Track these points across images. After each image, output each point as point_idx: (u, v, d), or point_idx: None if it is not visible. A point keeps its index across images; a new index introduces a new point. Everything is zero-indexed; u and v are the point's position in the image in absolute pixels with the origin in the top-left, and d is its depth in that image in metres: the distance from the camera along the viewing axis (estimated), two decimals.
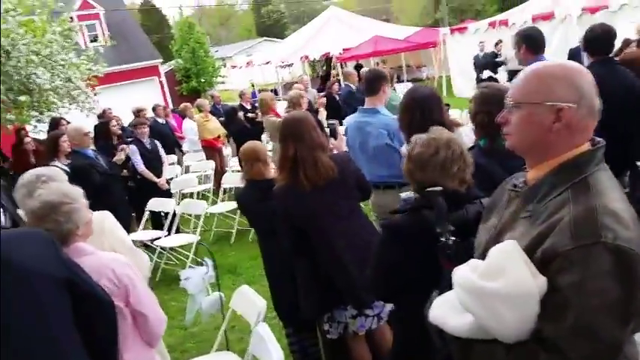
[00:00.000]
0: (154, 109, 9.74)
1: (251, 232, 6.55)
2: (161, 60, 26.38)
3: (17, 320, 1.43)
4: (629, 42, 6.85)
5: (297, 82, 21.73)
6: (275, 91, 19.34)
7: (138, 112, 10.01)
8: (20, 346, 1.42)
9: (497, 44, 13.03)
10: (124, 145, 5.85)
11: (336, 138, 2.92)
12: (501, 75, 13.39)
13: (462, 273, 1.30)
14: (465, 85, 14.87)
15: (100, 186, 4.72)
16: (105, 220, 2.48)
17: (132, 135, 6.62)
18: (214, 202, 7.49)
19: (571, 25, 12.00)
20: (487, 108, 2.58)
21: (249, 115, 9.11)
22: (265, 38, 43.12)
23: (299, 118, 2.77)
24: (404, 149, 3.13)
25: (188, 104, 10.22)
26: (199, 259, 3.50)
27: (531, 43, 3.51)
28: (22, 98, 7.70)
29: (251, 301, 2.93)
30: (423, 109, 2.83)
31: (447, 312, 1.38)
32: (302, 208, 2.69)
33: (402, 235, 1.97)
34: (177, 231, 6.09)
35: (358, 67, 19.04)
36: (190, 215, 6.76)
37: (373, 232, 2.79)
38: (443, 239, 1.59)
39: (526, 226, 1.31)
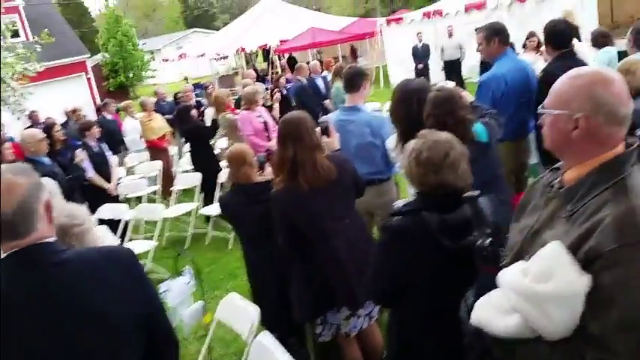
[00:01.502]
0: (104, 105, 9.29)
1: (208, 235, 6.39)
2: (88, 55, 25.01)
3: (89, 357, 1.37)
4: (533, 34, 7.46)
5: (234, 75, 21.14)
6: (207, 86, 18.86)
7: (73, 112, 9.49)
8: None
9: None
10: (79, 151, 5.50)
11: (329, 136, 2.88)
12: (435, 65, 13.79)
13: (514, 277, 1.35)
14: (402, 75, 15.13)
15: (65, 196, 4.42)
16: (105, 236, 2.30)
17: (76, 139, 6.23)
18: (165, 206, 7.20)
19: (502, 14, 12.51)
20: (438, 111, 2.67)
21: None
22: (196, 29, 41.94)
23: (298, 118, 2.70)
24: (389, 143, 3.13)
25: (130, 102, 9.75)
26: (177, 269, 3.33)
27: (503, 36, 3.64)
28: None
29: (242, 309, 2.83)
30: (420, 101, 2.83)
31: (492, 313, 1.41)
32: (302, 211, 2.63)
33: (406, 237, 1.98)
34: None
35: (292, 60, 18.96)
36: (140, 221, 6.47)
37: (368, 232, 2.76)
38: (480, 242, 1.60)
39: (566, 225, 1.35)
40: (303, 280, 2.75)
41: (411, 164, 2.03)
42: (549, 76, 3.32)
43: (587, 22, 9.79)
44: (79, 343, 1.35)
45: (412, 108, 2.87)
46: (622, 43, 7.04)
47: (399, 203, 2.50)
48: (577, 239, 1.28)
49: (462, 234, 1.89)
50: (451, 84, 3.17)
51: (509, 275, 1.37)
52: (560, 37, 3.58)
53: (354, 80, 3.54)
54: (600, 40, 5.98)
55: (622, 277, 1.19)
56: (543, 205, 1.49)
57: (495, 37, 3.67)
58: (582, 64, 3.58)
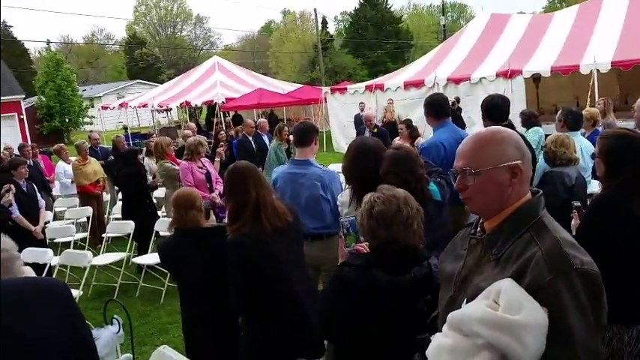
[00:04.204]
0: (20, 149, 8.79)
1: (138, 286, 6.09)
2: (23, 96, 24.11)
3: None
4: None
5: (177, 127, 20.93)
6: (150, 135, 18.66)
7: (6, 150, 9.04)
8: None
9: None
10: (10, 185, 5.17)
11: None
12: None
13: (483, 311, 1.33)
14: (343, 140, 15.62)
15: None
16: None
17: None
18: (93, 254, 6.84)
19: (438, 92, 13.35)
20: (397, 169, 2.73)
21: None
22: (139, 80, 41.67)
23: (252, 165, 2.73)
24: (343, 197, 3.15)
25: (63, 145, 9.40)
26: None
27: (433, 109, 3.94)
28: None
29: None
30: (376, 158, 2.88)
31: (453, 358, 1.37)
32: (266, 253, 2.56)
33: (352, 290, 1.97)
34: None
35: (237, 118, 19.16)
36: (65, 267, 6.09)
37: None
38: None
39: (497, 268, 1.44)
40: (258, 335, 2.62)
41: (363, 216, 2.04)
42: None
43: (517, 106, 10.59)
44: None
45: (369, 165, 2.89)
46: (546, 128, 7.70)
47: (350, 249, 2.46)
48: (512, 277, 1.36)
49: (409, 299, 1.92)
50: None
51: (476, 311, 1.36)
52: (496, 110, 3.84)
53: (306, 135, 3.60)
54: (532, 120, 6.44)
55: (565, 303, 1.29)
56: (466, 253, 1.57)
57: (425, 109, 3.99)
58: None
